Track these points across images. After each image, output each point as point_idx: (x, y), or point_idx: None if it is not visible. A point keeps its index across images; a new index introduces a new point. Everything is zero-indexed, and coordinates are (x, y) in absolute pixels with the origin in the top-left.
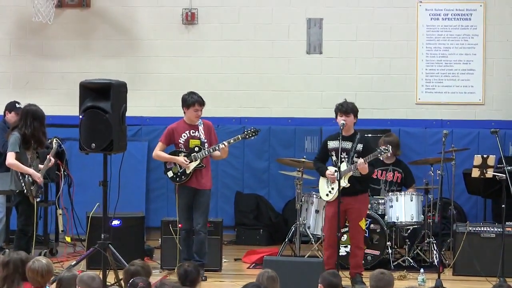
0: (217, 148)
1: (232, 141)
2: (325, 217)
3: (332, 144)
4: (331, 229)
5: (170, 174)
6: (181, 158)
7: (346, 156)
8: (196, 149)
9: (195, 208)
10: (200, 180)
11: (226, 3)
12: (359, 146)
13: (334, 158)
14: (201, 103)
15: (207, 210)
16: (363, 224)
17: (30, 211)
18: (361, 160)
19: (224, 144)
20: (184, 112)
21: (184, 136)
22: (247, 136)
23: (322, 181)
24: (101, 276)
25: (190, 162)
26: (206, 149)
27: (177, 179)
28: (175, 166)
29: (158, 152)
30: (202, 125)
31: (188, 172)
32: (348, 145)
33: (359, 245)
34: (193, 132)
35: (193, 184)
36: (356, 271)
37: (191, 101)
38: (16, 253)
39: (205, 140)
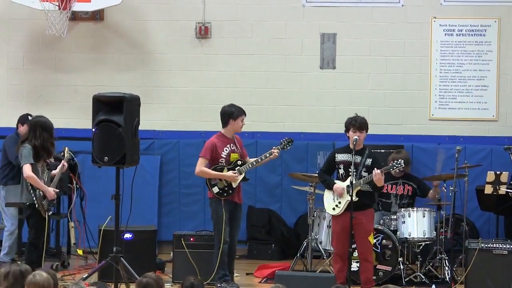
0: (263, 157)
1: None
2: (332, 232)
3: (340, 157)
4: (340, 243)
5: (216, 189)
6: (229, 174)
7: (354, 170)
8: (239, 162)
9: (232, 222)
10: (239, 195)
11: (240, 17)
12: (368, 161)
13: (341, 171)
14: (245, 113)
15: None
16: (371, 238)
17: (41, 224)
18: (377, 171)
19: (278, 149)
20: (226, 125)
21: (226, 150)
22: (284, 147)
23: (328, 194)
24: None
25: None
26: (250, 162)
27: (225, 194)
28: (220, 181)
29: (204, 168)
30: (235, 139)
31: (234, 186)
32: (357, 159)
33: (368, 259)
34: (232, 146)
35: (235, 198)
36: (367, 286)
37: (240, 111)
38: (16, 264)
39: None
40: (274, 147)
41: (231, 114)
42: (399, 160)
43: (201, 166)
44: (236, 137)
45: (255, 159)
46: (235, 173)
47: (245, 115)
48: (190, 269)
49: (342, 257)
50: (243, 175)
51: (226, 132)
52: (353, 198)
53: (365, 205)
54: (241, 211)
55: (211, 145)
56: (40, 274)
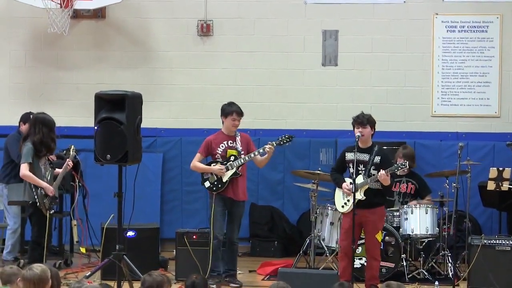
0: (256, 153)
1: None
2: (341, 228)
3: (349, 156)
4: (346, 240)
5: (207, 184)
6: (216, 167)
7: (363, 169)
8: (232, 158)
9: (230, 219)
10: (236, 191)
11: (242, 14)
12: (377, 159)
13: (351, 170)
14: (239, 113)
15: (240, 222)
16: (379, 236)
17: (44, 223)
18: (382, 172)
19: (272, 144)
20: (223, 122)
21: (222, 146)
22: (281, 143)
23: (338, 193)
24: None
25: (226, 171)
26: (242, 157)
27: (214, 188)
28: (211, 176)
29: (196, 163)
30: (239, 136)
31: (224, 180)
32: (365, 157)
33: (375, 257)
34: (231, 143)
35: (229, 194)
36: (371, 283)
37: (230, 110)
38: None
39: (242, 151)
40: (269, 142)
41: (222, 111)
42: (404, 162)
43: (194, 161)
44: (241, 135)
45: (248, 154)
46: (222, 167)
47: (239, 114)
48: (193, 266)
49: (348, 254)
50: (234, 170)
51: (224, 129)
52: (358, 196)
53: (374, 204)
54: (240, 208)
55: (206, 142)
56: (32, 270)
